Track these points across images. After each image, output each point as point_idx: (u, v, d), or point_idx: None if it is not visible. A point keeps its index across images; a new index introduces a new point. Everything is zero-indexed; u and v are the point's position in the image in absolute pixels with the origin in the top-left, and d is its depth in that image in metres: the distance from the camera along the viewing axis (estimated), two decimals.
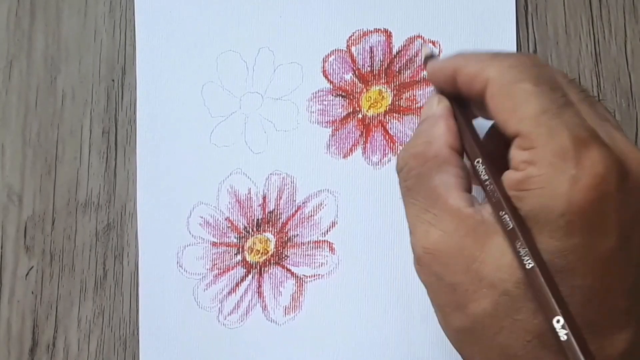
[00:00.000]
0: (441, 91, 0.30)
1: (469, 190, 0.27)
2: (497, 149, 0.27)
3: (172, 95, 0.39)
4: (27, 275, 0.39)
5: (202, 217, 0.39)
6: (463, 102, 0.29)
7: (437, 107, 0.29)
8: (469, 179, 0.27)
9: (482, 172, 0.26)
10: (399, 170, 0.29)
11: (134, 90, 0.39)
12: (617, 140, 0.25)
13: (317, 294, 0.38)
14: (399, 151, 0.38)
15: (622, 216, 0.23)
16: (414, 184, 0.27)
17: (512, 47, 0.38)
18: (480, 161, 0.26)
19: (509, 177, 0.25)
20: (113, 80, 0.40)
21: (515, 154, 0.24)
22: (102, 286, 0.39)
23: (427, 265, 0.26)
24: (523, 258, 0.23)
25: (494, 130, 0.30)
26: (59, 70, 0.40)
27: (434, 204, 0.26)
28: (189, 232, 0.38)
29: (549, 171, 0.23)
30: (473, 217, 0.25)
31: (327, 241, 0.38)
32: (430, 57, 0.33)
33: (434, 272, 0.26)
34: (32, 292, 0.39)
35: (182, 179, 0.39)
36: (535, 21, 0.39)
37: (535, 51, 0.38)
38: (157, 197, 0.39)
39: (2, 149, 0.40)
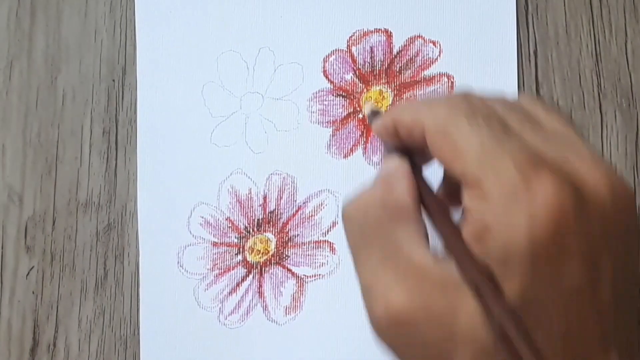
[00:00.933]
0: (393, 149, 0.29)
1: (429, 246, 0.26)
2: (453, 193, 0.26)
3: (173, 95, 0.39)
4: (27, 275, 0.39)
5: (202, 217, 0.39)
6: (419, 156, 0.28)
7: (397, 164, 0.27)
8: (428, 233, 0.26)
9: (441, 228, 0.25)
10: (350, 218, 0.26)
11: (134, 90, 0.39)
12: (570, 158, 0.23)
13: (317, 294, 0.38)
14: None
15: (584, 244, 0.22)
16: (370, 235, 0.25)
17: (512, 47, 0.38)
18: (439, 218, 0.25)
19: (466, 226, 0.23)
20: (113, 80, 0.40)
21: (467, 200, 0.23)
22: (102, 286, 0.39)
23: (390, 329, 0.24)
24: (488, 314, 0.22)
25: (446, 175, 0.29)
26: (60, 70, 0.40)
27: (395, 260, 0.24)
28: (190, 232, 0.38)
29: (504, 212, 0.22)
30: (440, 273, 0.23)
31: (327, 241, 0.38)
32: (375, 113, 0.32)
33: (401, 334, 0.24)
34: (33, 292, 0.39)
35: (183, 179, 0.39)
36: (536, 21, 0.39)
37: (535, 51, 0.38)
38: (158, 197, 0.39)
39: (2, 149, 0.40)
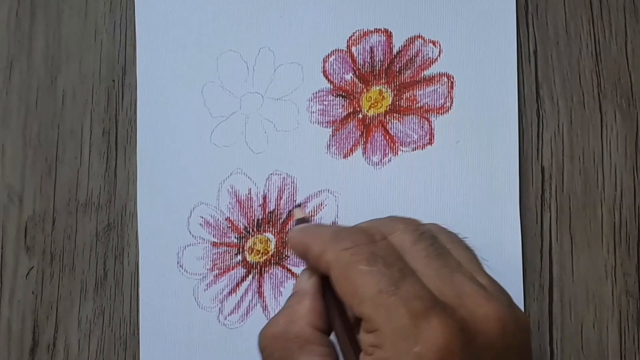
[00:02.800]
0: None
1: None
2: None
3: (173, 96, 0.39)
4: (27, 275, 0.39)
5: (202, 217, 0.39)
6: None
7: (307, 282, 0.28)
8: (336, 355, 0.27)
9: (344, 352, 0.26)
10: (262, 349, 0.28)
11: (134, 90, 0.39)
12: (467, 294, 0.25)
13: None
14: (399, 151, 0.38)
15: None
16: None
17: (512, 47, 0.38)
18: (343, 342, 0.27)
19: (363, 357, 0.25)
20: (113, 81, 0.40)
21: (363, 337, 0.25)
22: (102, 286, 0.39)
23: None
24: None
25: None
26: (60, 71, 0.40)
27: None
28: (189, 232, 0.38)
29: (394, 353, 0.23)
30: None
31: None
32: (300, 221, 0.32)
33: None
34: (33, 292, 0.39)
35: (183, 179, 0.39)
36: (536, 21, 0.39)
37: (535, 51, 0.38)
38: (158, 197, 0.39)
39: (2, 149, 0.40)
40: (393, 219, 0.28)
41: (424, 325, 0.23)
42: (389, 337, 0.23)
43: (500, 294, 0.26)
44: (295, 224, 0.33)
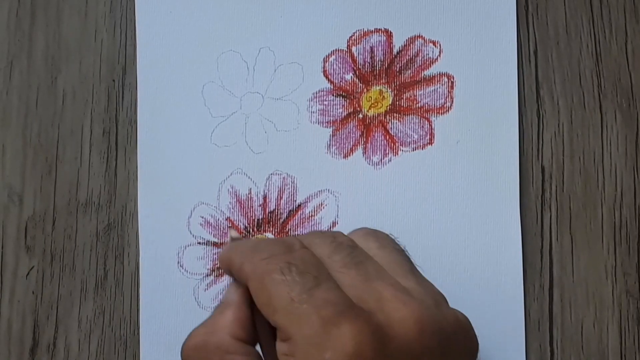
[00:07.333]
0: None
1: None
2: None
3: (173, 95, 0.39)
4: (27, 275, 0.39)
5: (202, 217, 0.39)
6: None
7: (233, 293, 0.28)
8: None
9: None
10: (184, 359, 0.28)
11: (134, 90, 0.39)
12: (385, 299, 0.25)
13: None
14: (399, 151, 0.38)
15: None
16: None
17: (512, 47, 0.38)
18: (267, 350, 0.27)
19: None
20: (114, 80, 0.40)
21: (278, 346, 0.25)
22: (102, 286, 0.39)
23: None
24: None
25: None
26: (60, 70, 0.40)
27: None
28: (190, 232, 0.39)
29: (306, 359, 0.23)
30: None
31: None
32: (234, 239, 0.32)
33: None
34: (33, 292, 0.39)
35: (183, 179, 0.39)
36: (536, 21, 0.39)
37: (535, 51, 0.38)
38: (158, 197, 0.39)
39: (2, 149, 0.40)
40: (312, 233, 0.28)
41: (334, 332, 0.23)
42: (300, 345, 0.23)
43: (425, 295, 0.26)
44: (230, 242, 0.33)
